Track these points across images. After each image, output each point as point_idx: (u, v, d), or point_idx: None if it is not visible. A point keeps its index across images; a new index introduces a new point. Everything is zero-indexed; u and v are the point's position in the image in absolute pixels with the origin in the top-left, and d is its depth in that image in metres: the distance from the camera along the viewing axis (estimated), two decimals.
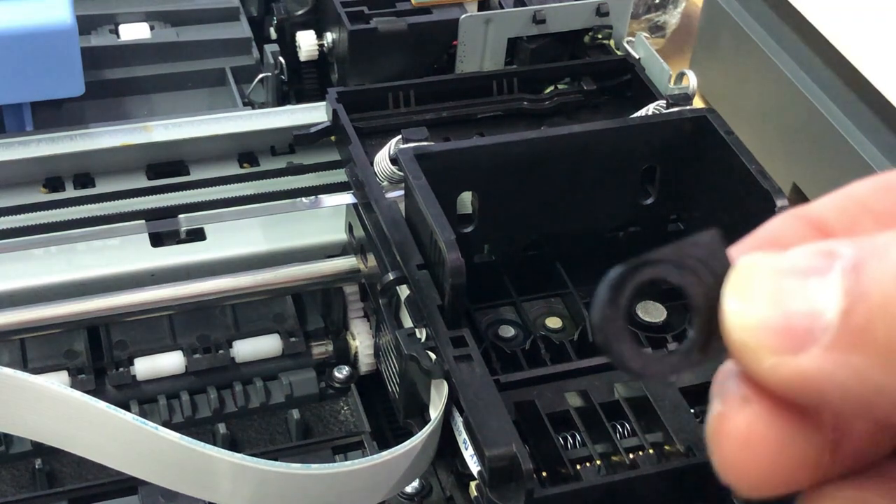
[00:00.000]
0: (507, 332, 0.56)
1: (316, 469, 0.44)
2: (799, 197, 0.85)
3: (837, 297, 0.21)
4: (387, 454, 0.45)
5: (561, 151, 0.57)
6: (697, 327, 0.23)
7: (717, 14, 0.97)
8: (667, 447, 0.48)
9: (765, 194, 0.53)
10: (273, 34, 0.78)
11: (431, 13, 0.72)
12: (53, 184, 0.69)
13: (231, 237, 0.66)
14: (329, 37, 0.74)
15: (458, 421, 0.46)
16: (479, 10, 0.73)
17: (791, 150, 0.87)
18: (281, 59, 0.77)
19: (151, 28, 0.82)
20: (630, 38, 0.70)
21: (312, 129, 0.65)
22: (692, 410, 0.49)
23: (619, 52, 0.71)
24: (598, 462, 0.48)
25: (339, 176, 0.67)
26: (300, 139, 0.66)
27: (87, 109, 0.76)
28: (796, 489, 0.22)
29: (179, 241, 0.66)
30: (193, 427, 0.64)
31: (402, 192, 0.56)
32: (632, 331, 0.23)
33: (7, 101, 0.68)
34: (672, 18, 1.08)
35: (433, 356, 0.48)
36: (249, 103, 0.79)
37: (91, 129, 0.69)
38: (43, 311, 0.60)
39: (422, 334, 0.49)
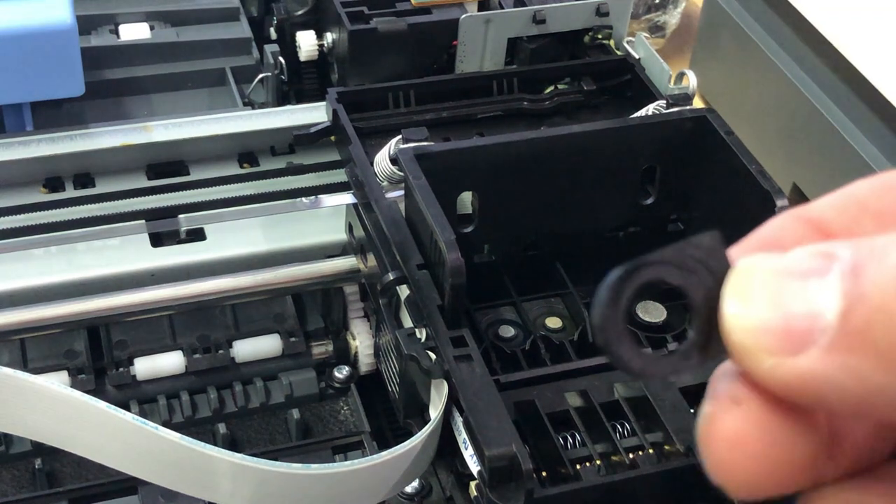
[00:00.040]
0: (507, 332, 0.56)
1: (316, 469, 0.44)
2: (799, 197, 0.85)
3: (836, 299, 0.21)
4: (387, 454, 0.45)
5: (561, 151, 0.57)
6: (697, 328, 0.23)
7: (717, 14, 0.97)
8: (667, 447, 0.48)
9: (765, 194, 0.53)
10: (273, 34, 0.78)
11: (431, 13, 0.72)
12: (53, 184, 0.69)
13: (231, 237, 0.66)
14: (329, 37, 0.74)
15: (458, 421, 0.46)
16: (479, 10, 0.73)
17: (791, 150, 0.87)
18: (281, 59, 0.77)
19: (151, 28, 0.82)
20: (630, 38, 0.70)
21: (312, 129, 0.65)
22: (692, 410, 0.49)
23: (619, 52, 0.71)
24: (598, 462, 0.48)
25: (339, 176, 0.67)
26: (300, 139, 0.66)
27: (87, 109, 0.76)
28: (790, 491, 0.22)
29: (179, 241, 0.66)
30: (193, 427, 0.64)
31: (402, 192, 0.56)
32: (632, 331, 0.23)
33: (7, 101, 0.68)
34: (672, 18, 1.08)
35: (433, 356, 0.48)
36: (249, 103, 0.79)
37: (91, 129, 0.69)
38: (43, 311, 0.60)
39: (422, 334, 0.49)
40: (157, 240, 0.66)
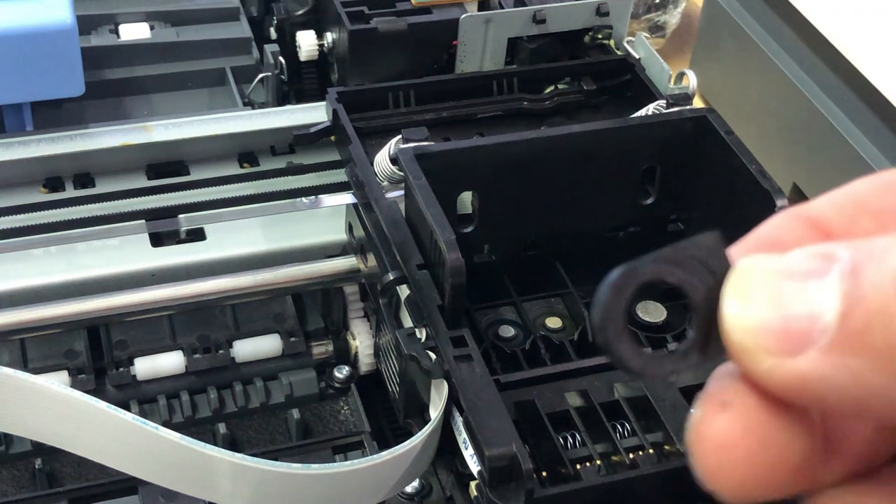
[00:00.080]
0: (507, 332, 0.56)
1: (316, 469, 0.44)
2: (799, 197, 0.85)
3: (836, 300, 0.21)
4: (387, 454, 0.45)
5: (561, 151, 0.57)
6: (697, 328, 0.23)
7: (717, 14, 0.97)
8: (667, 447, 0.48)
9: (765, 194, 0.53)
10: (273, 34, 0.78)
11: (431, 13, 0.72)
12: (53, 184, 0.69)
13: (231, 237, 0.66)
14: (329, 37, 0.74)
15: (458, 421, 0.46)
16: (479, 10, 0.73)
17: (791, 150, 0.87)
18: (281, 59, 0.77)
19: (151, 28, 0.82)
20: (630, 38, 0.70)
21: (312, 129, 0.65)
22: (692, 410, 0.49)
23: (619, 52, 0.71)
24: (598, 462, 0.48)
25: (339, 176, 0.67)
26: (300, 139, 0.66)
27: (87, 109, 0.76)
28: (783, 494, 0.22)
29: (179, 241, 0.66)
30: (193, 427, 0.64)
31: (402, 192, 0.56)
32: (632, 331, 0.23)
33: (7, 101, 0.68)
34: (672, 18, 1.08)
35: (433, 356, 0.48)
36: (249, 103, 0.79)
37: (91, 129, 0.69)
38: (43, 311, 0.60)
39: (422, 334, 0.49)
40: (157, 240, 0.66)
